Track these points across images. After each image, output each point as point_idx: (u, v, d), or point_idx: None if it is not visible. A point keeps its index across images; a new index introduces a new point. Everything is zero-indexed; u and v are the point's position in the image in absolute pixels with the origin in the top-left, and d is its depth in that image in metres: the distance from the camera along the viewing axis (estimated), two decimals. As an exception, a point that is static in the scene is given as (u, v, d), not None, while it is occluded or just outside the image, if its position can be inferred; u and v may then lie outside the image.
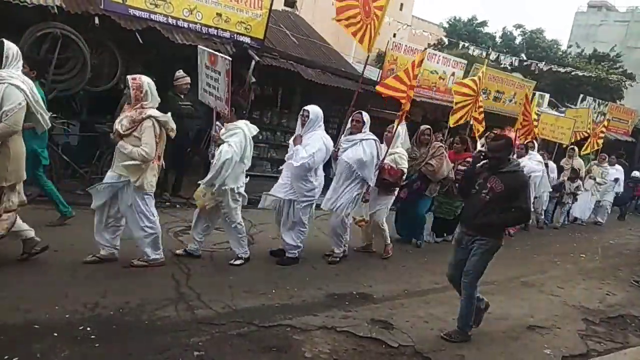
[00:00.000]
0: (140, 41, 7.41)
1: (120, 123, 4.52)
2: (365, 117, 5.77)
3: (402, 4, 33.83)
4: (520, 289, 5.99)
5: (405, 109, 6.39)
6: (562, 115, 13.81)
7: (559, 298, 5.84)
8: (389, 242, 6.39)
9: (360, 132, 5.71)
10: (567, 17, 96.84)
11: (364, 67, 7.14)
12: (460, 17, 38.83)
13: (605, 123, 13.35)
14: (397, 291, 5.24)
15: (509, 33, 37.84)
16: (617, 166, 12.34)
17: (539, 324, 4.89)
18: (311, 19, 16.02)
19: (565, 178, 10.52)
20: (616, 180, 12.00)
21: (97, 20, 7.15)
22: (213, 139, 5.12)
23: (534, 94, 15.55)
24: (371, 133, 5.76)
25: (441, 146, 6.91)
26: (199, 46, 5.51)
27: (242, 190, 5.14)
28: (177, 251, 5.23)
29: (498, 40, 36.14)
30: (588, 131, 12.61)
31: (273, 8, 9.28)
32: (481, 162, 4.28)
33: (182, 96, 7.26)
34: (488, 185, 4.12)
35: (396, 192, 6.33)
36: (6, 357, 3.01)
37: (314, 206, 5.61)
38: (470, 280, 4.18)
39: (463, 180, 4.59)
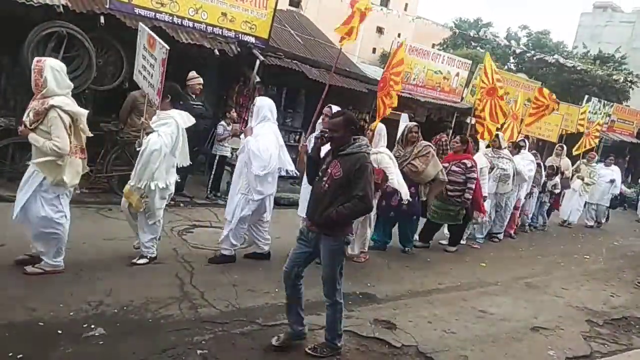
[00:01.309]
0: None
1: (28, 115, 4.02)
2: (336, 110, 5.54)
3: (406, 4, 33.83)
4: (524, 290, 5.97)
5: (389, 105, 6.20)
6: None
7: (563, 299, 5.82)
8: (366, 249, 6.04)
9: None
10: (573, 19, 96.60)
11: (337, 58, 7.15)
12: (467, 18, 38.84)
13: (600, 121, 12.93)
14: (401, 291, 5.24)
15: (514, 34, 37.80)
16: (614, 167, 11.81)
17: (542, 325, 4.87)
18: (316, 18, 16.01)
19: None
20: (612, 181, 11.44)
21: (102, 20, 7.18)
22: (142, 126, 4.81)
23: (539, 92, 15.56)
24: None
25: (428, 145, 6.46)
26: (139, 24, 5.14)
27: (172, 187, 4.81)
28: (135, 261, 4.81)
29: (503, 41, 36.06)
30: (579, 128, 12.08)
31: (278, 8, 9.31)
32: (320, 143, 3.64)
33: (194, 96, 7.33)
34: (328, 171, 3.52)
35: (379, 194, 5.95)
36: (11, 354, 3.03)
37: (261, 204, 5.20)
38: (328, 288, 3.62)
39: (307, 166, 3.91)
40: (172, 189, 4.86)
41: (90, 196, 6.69)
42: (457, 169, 6.77)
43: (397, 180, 5.80)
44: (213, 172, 7.94)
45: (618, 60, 30.45)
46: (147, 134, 4.63)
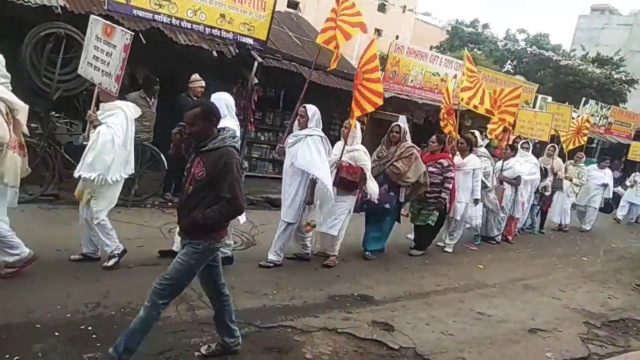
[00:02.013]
0: (144, 41, 7.43)
1: None
2: (311, 111, 5.34)
3: (405, 6, 33.89)
4: (522, 292, 5.97)
5: (373, 104, 5.93)
6: (542, 110, 13.02)
7: (561, 301, 5.83)
8: (336, 252, 5.82)
9: (306, 127, 5.30)
10: (570, 22, 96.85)
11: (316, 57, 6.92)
12: (463, 20, 38.90)
13: (589, 118, 12.55)
14: (399, 293, 5.24)
15: (512, 36, 37.90)
16: (607, 170, 11.34)
17: (540, 327, 4.88)
18: (314, 20, 16.03)
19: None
20: (604, 185, 11.05)
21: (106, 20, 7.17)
22: (89, 119, 4.58)
23: (536, 97, 15.61)
24: (317, 129, 5.34)
25: (411, 146, 6.23)
26: (92, 16, 5.00)
27: (124, 176, 4.64)
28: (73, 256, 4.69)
29: (500, 43, 36.16)
30: (571, 128, 11.38)
31: (276, 9, 9.32)
32: (178, 140, 3.29)
33: (196, 99, 7.34)
34: (192, 170, 3.15)
35: (357, 193, 5.81)
36: (7, 356, 3.01)
37: None
38: (162, 287, 3.10)
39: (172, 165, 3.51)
40: (121, 185, 4.66)
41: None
42: (434, 169, 6.56)
43: (371, 179, 5.78)
44: None
45: (616, 62, 30.57)
46: (95, 127, 4.47)
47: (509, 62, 34.31)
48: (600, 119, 17.47)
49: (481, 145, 7.84)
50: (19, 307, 3.61)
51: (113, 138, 4.39)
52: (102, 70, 4.55)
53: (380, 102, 5.92)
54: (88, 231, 4.61)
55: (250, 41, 8.70)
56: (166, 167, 7.01)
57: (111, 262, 4.61)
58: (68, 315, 3.63)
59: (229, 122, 4.82)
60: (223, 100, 4.76)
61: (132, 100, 6.88)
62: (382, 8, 28.73)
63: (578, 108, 17.06)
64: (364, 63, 5.89)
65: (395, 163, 6.10)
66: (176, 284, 3.15)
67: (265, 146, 10.32)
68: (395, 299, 5.04)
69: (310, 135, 5.25)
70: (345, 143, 5.78)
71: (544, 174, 9.36)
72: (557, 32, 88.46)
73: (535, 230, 9.90)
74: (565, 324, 5.07)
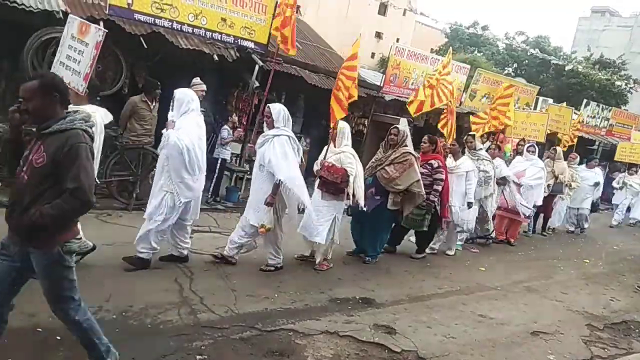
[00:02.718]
0: (145, 46, 7.46)
1: None
2: (275, 110, 5.15)
3: (405, 10, 33.94)
4: (524, 295, 5.97)
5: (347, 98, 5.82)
6: (534, 111, 12.91)
7: (563, 303, 5.82)
8: (327, 256, 5.72)
9: (273, 127, 5.11)
10: (570, 25, 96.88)
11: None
12: (461, 24, 38.91)
13: (579, 119, 12.39)
14: (400, 296, 5.23)
15: (512, 38, 37.88)
16: (597, 169, 11.20)
17: (542, 329, 4.87)
18: (315, 24, 16.08)
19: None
20: (596, 184, 10.86)
21: (102, 25, 7.19)
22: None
23: (537, 99, 15.60)
24: (285, 129, 5.14)
25: (408, 152, 5.93)
26: (69, 15, 4.86)
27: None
28: None
29: (501, 45, 36.17)
30: (575, 132, 11.53)
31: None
32: (16, 120, 2.65)
33: None
34: (29, 157, 2.59)
35: (345, 198, 5.61)
36: (10, 360, 3.02)
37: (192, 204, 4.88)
38: (56, 308, 2.84)
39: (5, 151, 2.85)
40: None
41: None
42: (423, 170, 6.30)
43: (356, 182, 5.54)
44: (215, 176, 7.92)
45: (618, 65, 30.55)
46: None
47: (510, 64, 34.30)
48: (601, 121, 17.44)
49: (480, 149, 7.73)
50: (20, 311, 3.60)
51: None
52: (73, 69, 4.38)
53: (355, 95, 5.89)
54: None
55: (251, 45, 8.72)
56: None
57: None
58: (70, 319, 3.62)
59: (192, 117, 4.74)
60: (188, 97, 4.74)
61: (133, 104, 6.93)
62: (382, 11, 28.77)
63: (579, 110, 17.07)
64: (346, 61, 5.82)
65: (386, 167, 5.90)
66: (66, 298, 2.79)
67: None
68: (397, 302, 5.03)
69: (278, 135, 5.07)
70: (334, 144, 5.69)
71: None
72: (557, 34, 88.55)
73: (530, 233, 9.71)
74: (567, 327, 5.06)
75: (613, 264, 8.46)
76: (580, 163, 11.01)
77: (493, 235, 8.26)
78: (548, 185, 9.18)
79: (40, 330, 3.43)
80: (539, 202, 8.79)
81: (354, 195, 5.59)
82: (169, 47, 7.76)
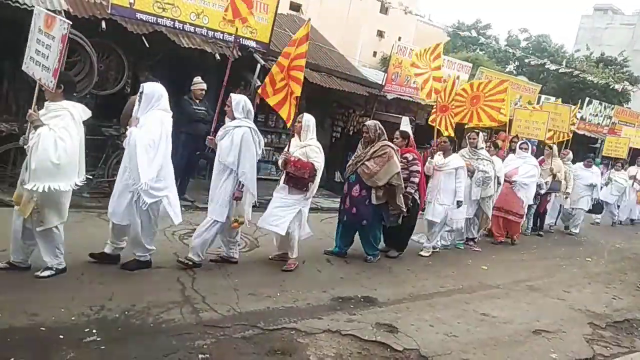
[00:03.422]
0: (147, 45, 7.47)
1: None
2: (235, 100, 4.99)
3: (406, 8, 33.93)
4: (526, 293, 5.96)
5: (294, 93, 5.59)
6: (536, 106, 12.48)
7: (565, 302, 5.81)
8: (295, 255, 5.47)
9: (234, 118, 4.99)
10: (572, 23, 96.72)
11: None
12: (464, 22, 38.89)
13: (575, 113, 12.09)
14: (402, 294, 5.23)
15: (514, 37, 37.84)
16: (594, 168, 10.72)
17: (545, 328, 4.86)
18: (316, 22, 16.03)
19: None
20: (592, 186, 10.41)
21: (104, 25, 7.21)
22: (29, 119, 4.07)
23: (539, 97, 15.55)
24: (246, 120, 5.00)
25: (386, 146, 5.89)
26: (35, 7, 4.67)
27: (76, 185, 4.16)
28: None
29: (503, 43, 36.13)
30: (570, 132, 11.05)
31: (278, 12, 9.33)
32: None
33: (198, 101, 7.39)
34: None
35: (310, 192, 5.46)
36: (12, 359, 3.03)
37: (162, 205, 4.61)
38: None
39: None
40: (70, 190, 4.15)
41: (91, 201, 6.71)
42: (400, 164, 6.08)
43: (316, 177, 5.43)
44: None
45: (620, 63, 30.46)
46: (36, 127, 3.98)
47: (511, 62, 34.24)
48: (604, 119, 17.40)
49: (482, 148, 7.58)
50: (23, 310, 3.62)
51: (56, 142, 3.89)
52: (42, 65, 4.20)
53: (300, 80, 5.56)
54: (20, 239, 4.16)
55: (253, 44, 8.72)
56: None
57: (46, 273, 4.19)
58: (72, 318, 3.63)
59: (160, 114, 4.52)
60: (157, 92, 4.55)
61: (133, 103, 6.91)
62: (384, 10, 28.72)
63: (582, 108, 17.02)
64: (296, 46, 5.55)
65: (366, 162, 5.82)
66: None
67: (269, 148, 10.33)
68: (399, 301, 5.03)
69: (239, 126, 4.93)
70: (299, 138, 5.55)
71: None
72: (559, 31, 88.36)
73: (528, 231, 9.53)
74: (569, 325, 5.06)
75: (615, 262, 8.44)
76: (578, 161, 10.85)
77: (479, 235, 8.02)
78: (546, 183, 9.09)
79: (43, 329, 3.44)
80: (531, 201, 8.61)
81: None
82: (170, 46, 7.77)
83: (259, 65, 8.52)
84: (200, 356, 3.39)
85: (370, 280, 5.48)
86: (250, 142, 4.93)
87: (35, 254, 4.27)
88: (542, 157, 9.47)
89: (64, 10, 6.85)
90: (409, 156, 6.36)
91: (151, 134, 4.38)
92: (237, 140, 4.86)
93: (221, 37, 8.36)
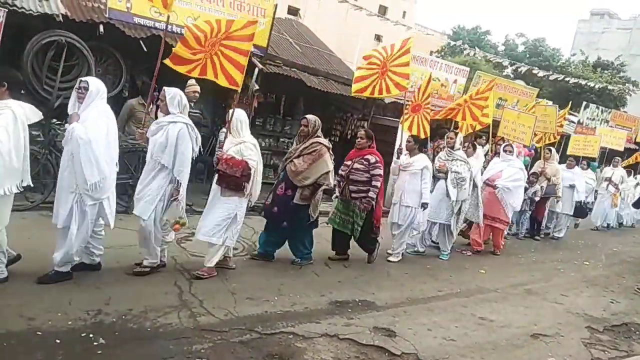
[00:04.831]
0: (145, 49, 7.48)
1: None
2: (170, 94, 4.68)
3: (404, 12, 34.03)
4: (524, 297, 5.96)
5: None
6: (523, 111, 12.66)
7: (563, 306, 5.81)
8: (213, 264, 4.96)
9: (168, 113, 4.68)
10: (569, 27, 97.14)
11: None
12: (464, 25, 39.02)
13: (562, 114, 11.68)
14: (400, 298, 5.23)
15: (511, 41, 37.95)
16: (577, 169, 10.30)
17: (542, 332, 4.86)
18: (314, 27, 16.09)
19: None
20: (572, 186, 9.89)
21: (101, 29, 7.22)
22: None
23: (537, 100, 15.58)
24: (182, 115, 4.70)
25: (318, 143, 5.56)
26: None
27: (14, 190, 3.88)
28: None
29: (501, 48, 36.25)
30: (558, 131, 11.00)
31: (276, 16, 9.35)
32: None
33: (192, 104, 7.36)
34: None
35: (247, 194, 5.06)
36: (9, 363, 3.02)
37: (99, 207, 4.32)
38: None
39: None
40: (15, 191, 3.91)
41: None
42: (359, 166, 5.91)
43: (255, 177, 5.09)
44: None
45: (616, 67, 30.57)
46: None
47: (508, 66, 34.32)
48: (601, 123, 17.46)
49: (458, 149, 7.13)
50: (20, 315, 3.61)
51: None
52: None
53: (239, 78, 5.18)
54: None
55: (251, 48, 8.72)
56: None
57: None
58: (69, 322, 3.62)
59: (103, 108, 4.27)
60: (101, 88, 4.30)
61: (130, 106, 6.93)
62: (382, 12, 28.82)
63: (579, 112, 17.07)
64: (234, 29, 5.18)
65: (294, 160, 5.49)
66: None
67: (266, 152, 10.34)
68: (397, 305, 5.03)
69: (174, 122, 4.62)
70: (230, 134, 5.16)
71: (537, 178, 9.00)
72: (556, 36, 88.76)
73: (521, 235, 9.49)
74: (567, 329, 5.06)
75: (613, 266, 8.45)
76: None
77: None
78: (541, 188, 9.03)
79: (39, 333, 3.42)
80: (518, 208, 8.06)
81: (250, 194, 5.11)
82: (167, 50, 7.76)
83: (256, 69, 8.53)
84: (197, 361, 3.39)
85: (368, 284, 5.48)
86: (187, 139, 4.63)
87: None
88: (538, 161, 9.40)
89: (62, 14, 6.87)
90: (371, 158, 5.95)
91: (98, 129, 4.11)
92: (173, 137, 4.55)
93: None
